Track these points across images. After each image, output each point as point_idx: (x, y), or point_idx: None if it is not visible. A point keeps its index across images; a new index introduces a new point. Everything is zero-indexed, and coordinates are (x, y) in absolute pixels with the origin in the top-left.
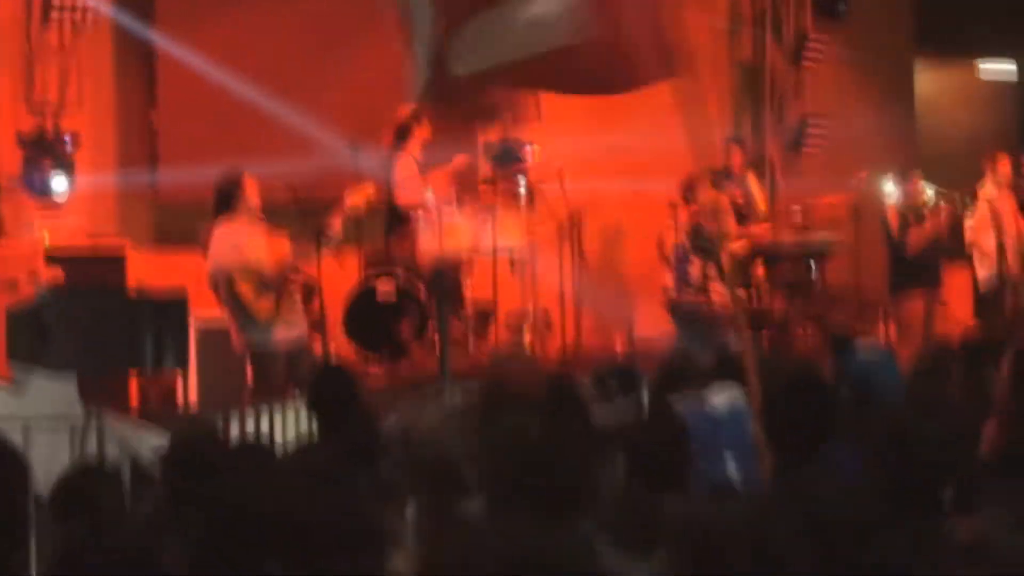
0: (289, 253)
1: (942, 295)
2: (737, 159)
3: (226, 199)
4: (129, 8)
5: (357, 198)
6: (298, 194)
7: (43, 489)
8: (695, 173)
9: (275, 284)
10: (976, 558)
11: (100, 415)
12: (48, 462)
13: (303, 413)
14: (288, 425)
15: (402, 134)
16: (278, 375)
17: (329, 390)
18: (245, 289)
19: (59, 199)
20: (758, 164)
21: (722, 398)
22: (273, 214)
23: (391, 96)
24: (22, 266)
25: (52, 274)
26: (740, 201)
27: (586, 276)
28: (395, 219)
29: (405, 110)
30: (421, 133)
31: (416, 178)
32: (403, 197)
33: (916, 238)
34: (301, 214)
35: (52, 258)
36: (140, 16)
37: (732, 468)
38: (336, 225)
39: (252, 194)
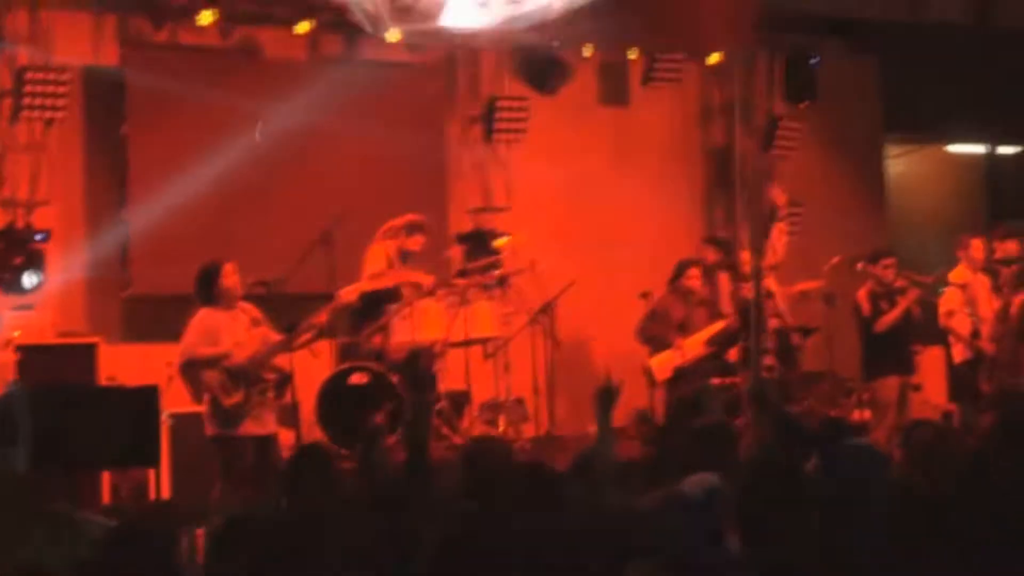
0: (268, 346)
1: (916, 379)
2: (711, 257)
3: (205, 287)
4: (99, 105)
5: (351, 293)
6: (270, 288)
7: None
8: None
9: (247, 378)
10: None
11: (71, 512)
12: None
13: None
14: None
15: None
16: (246, 464)
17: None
18: (211, 378)
19: (30, 296)
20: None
21: (695, 483)
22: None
23: (362, 188)
24: None
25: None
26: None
27: (560, 364)
28: (368, 310)
29: (408, 218)
30: (412, 244)
31: (379, 268)
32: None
33: (887, 319)
34: (273, 308)
35: (21, 349)
36: (111, 111)
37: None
38: (323, 318)
39: (231, 283)
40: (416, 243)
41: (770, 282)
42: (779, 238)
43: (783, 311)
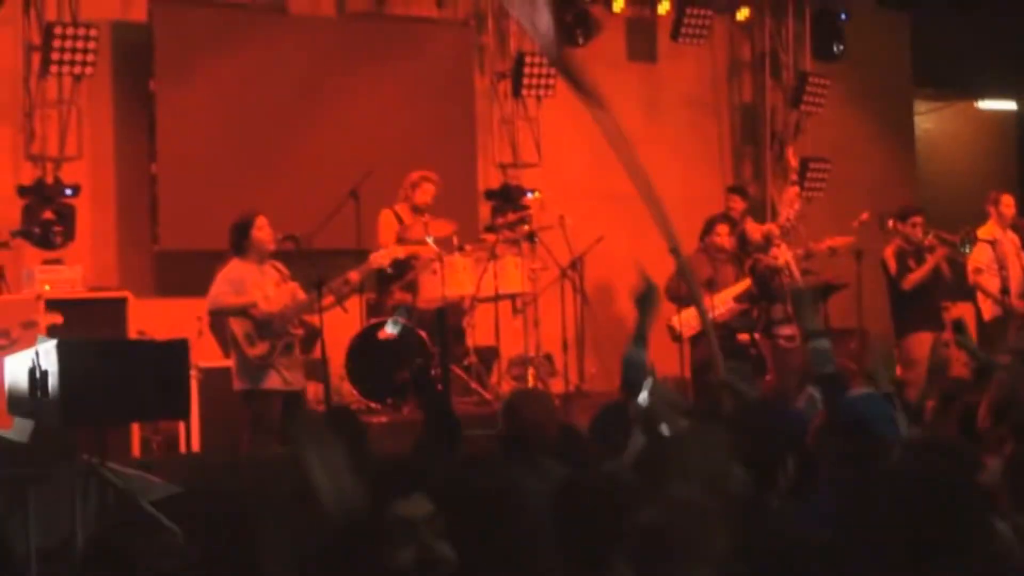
0: (296, 302)
1: (946, 335)
2: (737, 206)
3: (237, 239)
4: (128, 59)
5: (384, 258)
6: (299, 243)
7: (43, 541)
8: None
9: (273, 330)
10: None
11: (101, 465)
12: (49, 514)
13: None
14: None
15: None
16: (274, 418)
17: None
18: (237, 328)
19: (60, 250)
20: (760, 207)
21: None
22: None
23: (391, 144)
24: (19, 317)
25: (52, 319)
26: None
27: (589, 320)
28: (396, 267)
29: (411, 177)
30: (419, 197)
31: (391, 233)
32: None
33: (914, 277)
34: (302, 263)
35: (52, 304)
36: (139, 67)
37: None
38: (355, 277)
39: (263, 236)
40: (424, 195)
41: (781, 251)
42: (791, 203)
43: (796, 277)
